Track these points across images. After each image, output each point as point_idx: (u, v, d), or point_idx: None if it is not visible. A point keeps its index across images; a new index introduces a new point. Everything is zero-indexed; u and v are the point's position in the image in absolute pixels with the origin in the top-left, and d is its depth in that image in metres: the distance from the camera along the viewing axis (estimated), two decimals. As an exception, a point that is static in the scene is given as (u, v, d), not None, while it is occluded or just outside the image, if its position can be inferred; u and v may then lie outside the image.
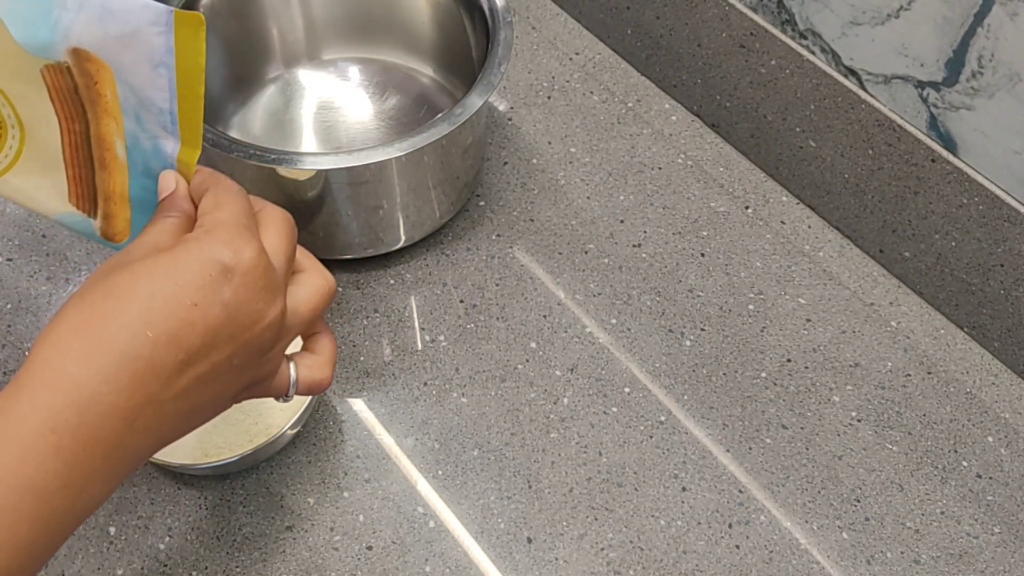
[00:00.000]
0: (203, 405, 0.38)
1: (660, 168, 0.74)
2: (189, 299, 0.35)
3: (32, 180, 0.42)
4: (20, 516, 0.32)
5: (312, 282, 0.42)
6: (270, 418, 0.56)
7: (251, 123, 0.73)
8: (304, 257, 0.44)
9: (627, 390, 0.62)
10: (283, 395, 0.43)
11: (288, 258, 0.41)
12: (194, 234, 0.38)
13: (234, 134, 0.68)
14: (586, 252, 0.69)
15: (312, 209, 0.62)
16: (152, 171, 0.42)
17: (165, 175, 0.41)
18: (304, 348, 0.45)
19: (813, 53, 0.65)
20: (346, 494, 0.57)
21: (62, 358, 0.34)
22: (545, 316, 0.65)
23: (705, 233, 0.70)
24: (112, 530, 0.56)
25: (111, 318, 0.34)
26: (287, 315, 0.40)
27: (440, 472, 0.58)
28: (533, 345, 0.64)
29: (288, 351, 0.43)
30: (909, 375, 0.64)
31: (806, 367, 0.64)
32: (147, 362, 0.34)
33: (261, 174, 0.60)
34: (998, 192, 0.59)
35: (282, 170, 0.58)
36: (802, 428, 0.61)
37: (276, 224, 0.41)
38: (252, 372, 0.39)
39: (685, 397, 0.62)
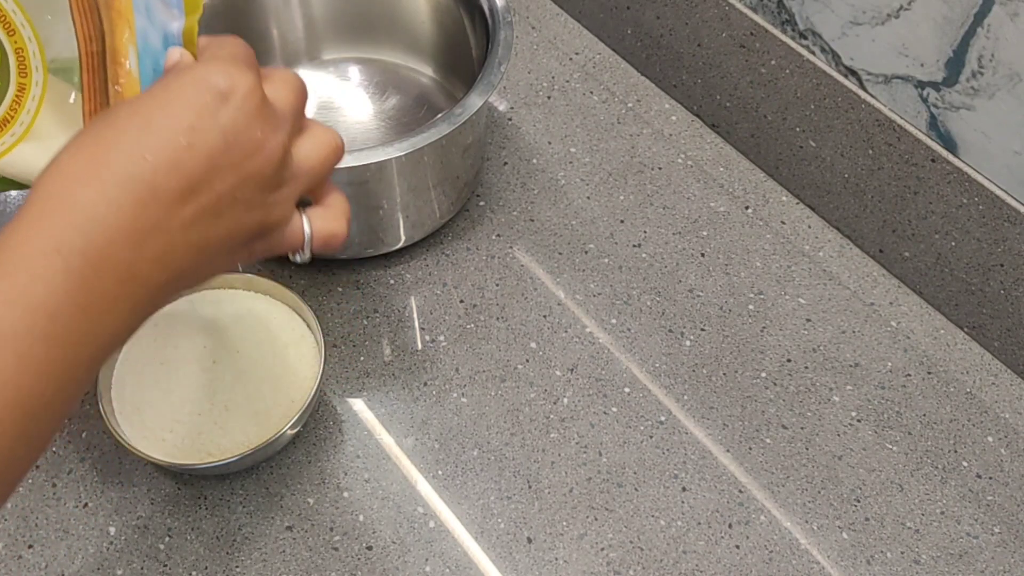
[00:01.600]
0: (214, 241, 0.37)
1: (660, 168, 0.74)
2: (185, 123, 0.35)
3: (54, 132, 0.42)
4: (34, 338, 0.32)
5: (319, 135, 0.41)
6: (270, 418, 0.56)
7: (251, 123, 0.73)
8: (312, 120, 0.42)
9: (627, 390, 0.62)
10: (299, 250, 0.42)
11: (292, 105, 0.39)
12: (190, 64, 0.38)
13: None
14: (586, 252, 0.69)
15: (312, 209, 0.62)
16: (161, 73, 0.42)
17: (171, 51, 0.40)
18: (315, 204, 0.44)
19: (813, 53, 0.65)
20: (346, 494, 0.57)
21: (63, 183, 0.34)
22: (545, 316, 0.65)
23: (705, 233, 0.70)
24: (112, 530, 0.56)
25: (111, 145, 0.35)
26: (293, 161, 0.39)
27: (440, 472, 0.58)
28: (533, 345, 0.64)
29: None
30: (909, 375, 0.64)
31: (806, 367, 0.64)
32: (148, 185, 0.34)
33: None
34: (998, 192, 0.59)
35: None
36: (802, 428, 0.61)
37: (281, 76, 0.40)
38: (260, 212, 0.38)
39: (685, 397, 0.62)
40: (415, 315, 0.65)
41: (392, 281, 0.67)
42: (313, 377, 0.57)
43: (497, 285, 0.67)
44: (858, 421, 0.61)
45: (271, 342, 0.59)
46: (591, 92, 0.78)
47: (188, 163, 0.35)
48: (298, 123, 0.40)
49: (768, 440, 0.60)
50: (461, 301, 0.66)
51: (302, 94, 0.41)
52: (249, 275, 0.61)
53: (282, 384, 0.57)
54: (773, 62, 0.68)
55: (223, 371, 0.57)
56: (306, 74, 0.76)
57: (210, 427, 0.55)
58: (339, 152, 0.42)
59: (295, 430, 0.56)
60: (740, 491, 0.58)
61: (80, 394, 0.36)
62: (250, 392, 0.56)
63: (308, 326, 0.60)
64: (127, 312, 0.35)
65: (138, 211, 0.34)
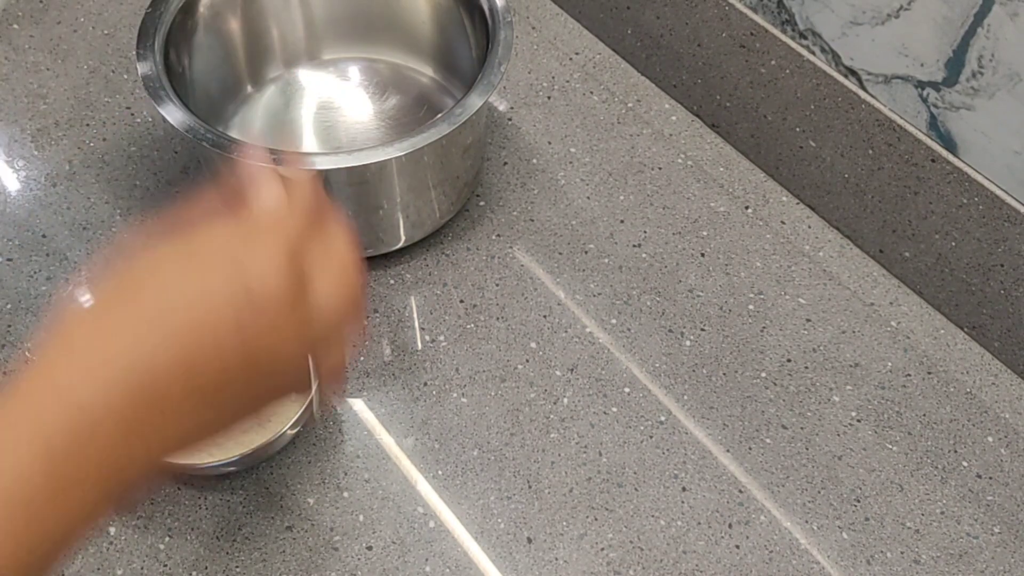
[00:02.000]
0: (209, 423, 0.35)
1: (660, 168, 0.74)
2: (206, 327, 0.32)
3: None
4: (8, 517, 0.31)
5: (340, 345, 0.38)
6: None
7: (251, 123, 0.73)
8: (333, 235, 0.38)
9: (627, 390, 0.62)
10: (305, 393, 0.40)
11: (334, 313, 0.36)
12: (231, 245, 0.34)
13: (234, 134, 0.68)
14: (586, 252, 0.69)
15: (312, 209, 0.62)
16: None
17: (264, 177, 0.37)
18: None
19: (813, 53, 0.65)
20: (346, 494, 0.57)
21: (63, 370, 0.32)
22: (545, 316, 0.65)
23: (705, 233, 0.70)
24: (112, 530, 0.56)
25: (118, 334, 0.32)
26: (311, 360, 0.37)
27: (440, 472, 0.58)
28: (533, 345, 0.64)
29: None
30: (909, 375, 0.64)
31: (806, 367, 0.64)
32: (149, 379, 0.32)
33: (261, 174, 0.60)
34: (998, 192, 0.59)
35: (282, 170, 0.58)
36: (802, 428, 0.61)
37: (336, 265, 0.37)
38: (263, 397, 0.37)
39: (685, 397, 0.62)
40: (415, 315, 0.65)
41: (392, 281, 0.67)
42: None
43: (497, 285, 0.67)
44: (858, 421, 0.61)
45: None
46: (591, 92, 0.78)
47: (199, 365, 0.32)
48: (335, 329, 0.37)
49: (768, 440, 0.60)
50: (461, 301, 0.66)
51: (355, 287, 0.37)
52: None
53: None
54: (773, 62, 0.68)
55: None
56: (306, 74, 0.76)
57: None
58: (355, 298, 0.39)
59: (295, 430, 0.56)
60: (740, 491, 0.58)
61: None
62: None
63: None
64: (104, 495, 0.33)
65: (134, 404, 0.32)
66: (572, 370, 0.63)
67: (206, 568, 0.54)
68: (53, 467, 0.31)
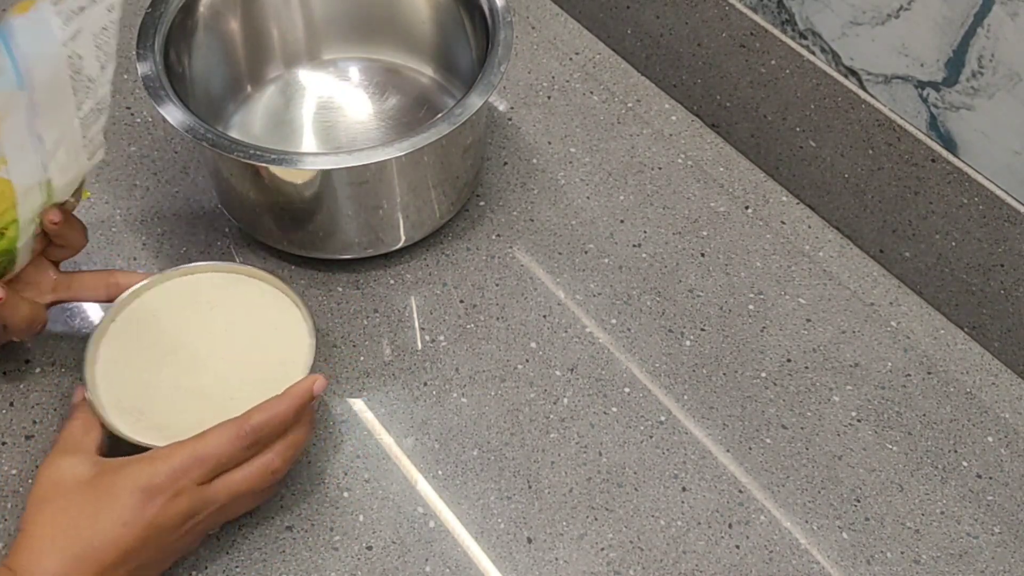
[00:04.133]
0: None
1: (660, 168, 0.74)
2: (121, 518, 0.48)
3: None
4: None
5: (251, 467, 0.52)
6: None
7: (251, 123, 0.73)
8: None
9: (627, 390, 0.62)
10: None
11: (232, 489, 0.51)
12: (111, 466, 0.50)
13: (234, 134, 0.68)
14: (586, 252, 0.69)
15: (312, 209, 0.62)
16: None
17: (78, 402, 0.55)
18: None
19: (813, 53, 0.65)
20: (346, 494, 0.57)
21: (30, 557, 0.47)
22: (545, 316, 0.65)
23: (705, 233, 0.70)
24: (112, 530, 0.56)
25: (67, 530, 0.48)
26: (216, 490, 0.51)
27: (440, 472, 0.58)
28: (533, 345, 0.64)
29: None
30: (909, 375, 0.64)
31: (806, 367, 0.64)
32: (95, 561, 0.47)
33: (261, 174, 0.60)
34: (998, 192, 0.59)
35: (282, 170, 0.58)
36: (802, 428, 0.61)
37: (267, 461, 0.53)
38: (189, 543, 0.52)
39: (685, 397, 0.62)
40: (415, 315, 0.65)
41: (392, 281, 0.67)
42: (305, 363, 0.56)
43: (497, 285, 0.67)
44: (858, 421, 0.61)
45: (264, 327, 0.58)
46: (591, 92, 0.78)
47: (124, 541, 0.47)
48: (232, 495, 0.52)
49: (768, 440, 0.60)
50: (461, 301, 0.66)
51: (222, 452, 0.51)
52: (232, 263, 0.61)
53: (280, 366, 0.56)
54: (773, 62, 0.68)
55: (224, 357, 0.57)
56: (306, 74, 0.76)
57: (207, 420, 0.54)
58: (263, 485, 0.53)
59: None
60: (740, 491, 0.58)
61: None
62: (253, 377, 0.56)
63: (295, 304, 0.59)
64: None
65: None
66: (572, 370, 0.63)
67: (206, 568, 0.54)
68: None
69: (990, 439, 0.61)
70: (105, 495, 0.48)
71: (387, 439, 0.60)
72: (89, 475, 0.49)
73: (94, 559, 0.47)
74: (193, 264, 0.60)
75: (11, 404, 0.60)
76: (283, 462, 0.52)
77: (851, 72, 0.64)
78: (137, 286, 0.58)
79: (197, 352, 0.57)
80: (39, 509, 0.49)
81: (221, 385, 0.56)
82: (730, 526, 0.57)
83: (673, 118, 0.77)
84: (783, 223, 0.71)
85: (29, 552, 0.47)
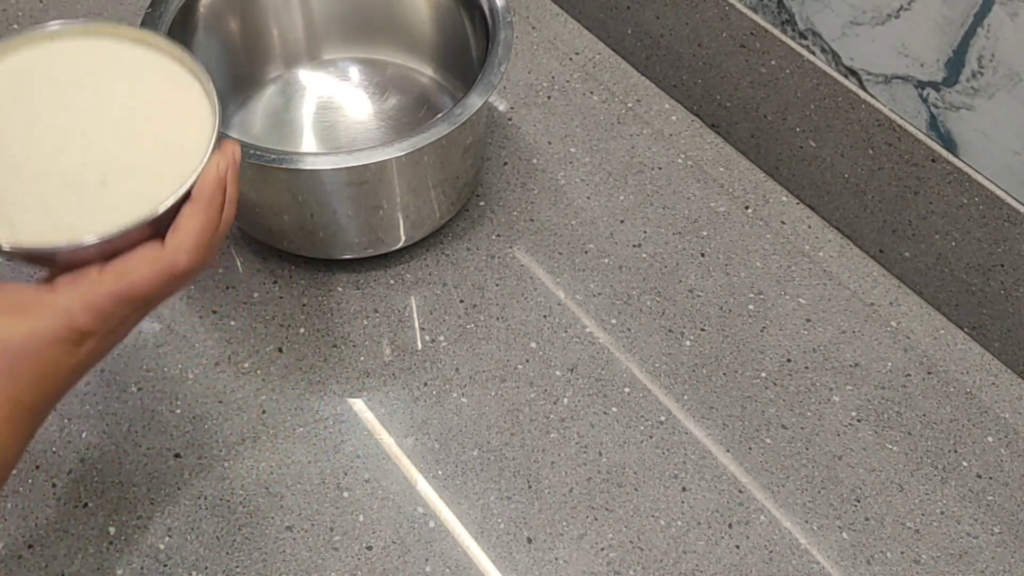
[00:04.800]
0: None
1: (660, 168, 0.74)
2: (48, 369, 0.41)
3: None
4: None
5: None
6: (160, 189, 0.43)
7: (251, 123, 0.73)
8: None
9: (627, 390, 0.62)
10: None
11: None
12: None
13: (234, 134, 0.68)
14: (586, 252, 0.69)
15: (312, 209, 0.62)
16: None
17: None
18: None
19: (813, 53, 0.65)
20: (346, 494, 0.57)
21: None
22: (545, 316, 0.65)
23: (705, 233, 0.70)
24: (112, 530, 0.56)
25: None
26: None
27: (440, 472, 0.58)
28: (533, 345, 0.64)
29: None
30: (909, 375, 0.64)
31: (806, 367, 0.64)
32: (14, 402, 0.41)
33: (261, 174, 0.60)
34: (998, 192, 0.59)
35: (282, 170, 0.58)
36: (802, 428, 0.61)
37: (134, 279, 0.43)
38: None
39: (685, 397, 0.62)
40: (415, 315, 0.65)
41: (392, 281, 0.67)
42: (207, 140, 0.45)
43: (497, 285, 0.67)
44: (858, 421, 0.61)
45: (153, 97, 0.47)
46: (591, 92, 0.78)
47: (42, 393, 0.42)
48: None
49: (768, 440, 0.60)
50: (461, 301, 0.66)
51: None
52: (116, 23, 0.48)
53: (171, 149, 0.45)
54: (773, 62, 0.68)
55: (95, 136, 0.45)
56: (306, 74, 0.76)
57: (83, 206, 0.43)
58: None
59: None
60: (740, 491, 0.58)
61: None
62: (132, 161, 0.44)
63: (195, 77, 0.47)
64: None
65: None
66: (572, 370, 0.63)
67: (206, 568, 0.54)
68: None
69: (990, 439, 0.61)
70: (19, 353, 0.41)
71: (387, 439, 0.60)
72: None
73: (19, 416, 0.41)
74: (61, 23, 0.47)
75: None
76: (195, 263, 0.43)
77: (851, 72, 0.64)
78: None
79: (62, 129, 0.45)
80: None
81: (91, 170, 0.44)
82: (730, 526, 0.57)
83: (673, 118, 0.77)
84: (783, 223, 0.71)
85: None
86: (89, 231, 0.41)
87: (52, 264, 0.44)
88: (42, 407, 0.42)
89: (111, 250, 0.42)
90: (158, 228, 0.43)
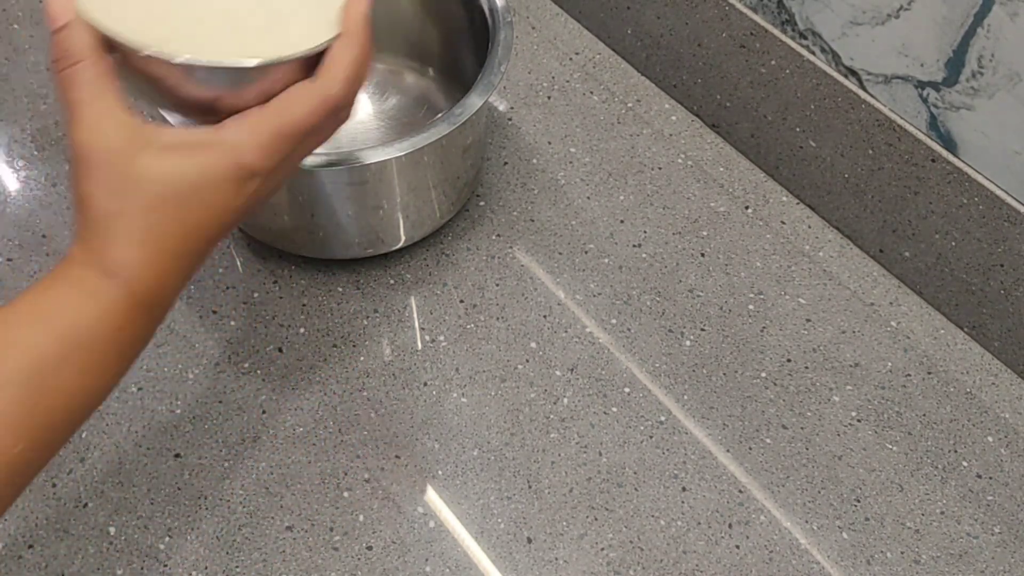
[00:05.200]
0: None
1: (660, 168, 0.74)
2: (207, 219, 0.42)
3: None
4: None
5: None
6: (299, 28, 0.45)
7: (251, 123, 0.73)
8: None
9: (627, 390, 0.62)
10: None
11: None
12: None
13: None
14: (586, 252, 0.69)
15: (312, 209, 0.62)
16: None
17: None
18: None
19: (813, 53, 0.65)
20: (346, 494, 0.57)
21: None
22: (545, 316, 0.65)
23: (705, 233, 0.70)
24: (112, 530, 0.56)
25: (163, 220, 0.41)
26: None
27: (440, 472, 0.58)
28: (533, 345, 0.64)
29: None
30: (909, 375, 0.64)
31: (806, 367, 0.64)
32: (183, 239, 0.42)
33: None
34: (998, 192, 0.59)
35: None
36: (802, 428, 0.61)
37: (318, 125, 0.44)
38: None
39: (685, 397, 0.62)
40: (415, 315, 0.65)
41: (392, 281, 0.67)
42: None
43: (497, 285, 0.67)
44: (858, 421, 0.61)
45: None
46: (591, 92, 0.78)
47: (210, 233, 0.42)
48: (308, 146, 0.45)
49: (768, 440, 0.60)
50: (461, 301, 0.66)
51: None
52: None
53: None
54: (773, 62, 0.68)
55: None
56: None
57: (244, 46, 0.44)
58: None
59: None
60: (740, 491, 0.58)
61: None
62: (284, 7, 0.46)
63: None
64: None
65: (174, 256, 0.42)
66: (572, 370, 0.63)
67: (206, 568, 0.54)
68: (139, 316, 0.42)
69: (990, 439, 0.61)
70: (189, 190, 0.41)
71: (387, 439, 0.60)
72: (155, 158, 0.40)
73: (185, 254, 0.41)
74: None
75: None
76: (349, 94, 0.44)
77: (851, 72, 0.64)
78: None
79: None
80: (90, 182, 0.41)
81: (249, 14, 0.45)
82: (730, 526, 0.57)
83: (673, 118, 0.77)
84: (783, 223, 0.71)
85: (102, 239, 0.41)
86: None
87: (216, 102, 0.44)
88: (205, 250, 0.43)
89: (270, 90, 0.43)
90: (310, 68, 0.44)
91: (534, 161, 0.74)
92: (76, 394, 0.39)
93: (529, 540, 0.56)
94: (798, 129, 0.69)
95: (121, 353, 0.41)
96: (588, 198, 0.71)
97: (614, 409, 0.61)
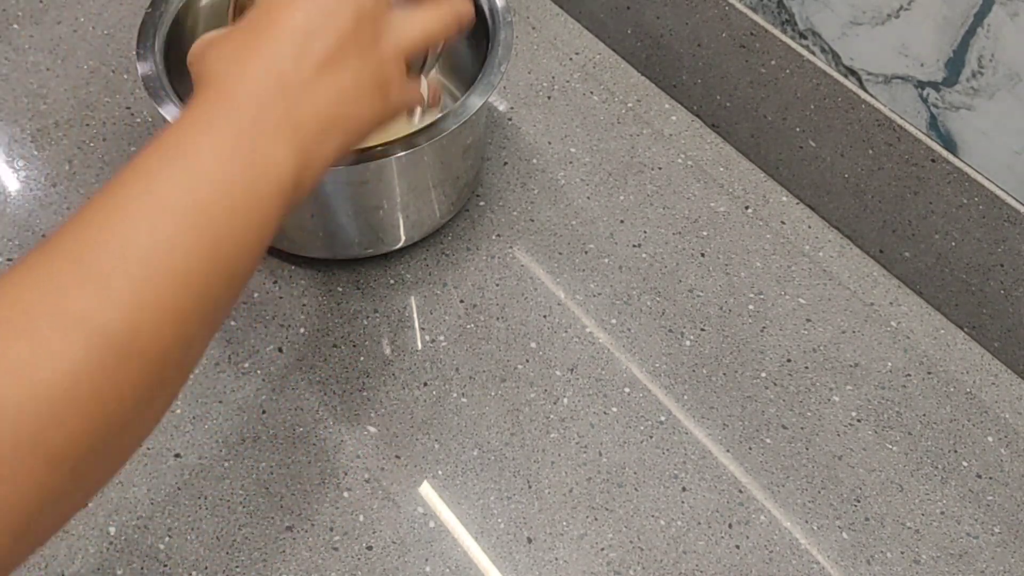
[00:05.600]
0: (346, 86, 0.42)
1: (660, 168, 0.74)
2: (305, 26, 0.41)
3: None
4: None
5: (426, 14, 0.46)
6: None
7: (251, 123, 0.72)
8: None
9: (627, 390, 0.62)
10: (417, 105, 0.50)
11: None
12: None
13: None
14: (586, 252, 0.69)
15: (312, 209, 0.62)
16: None
17: None
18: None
19: (813, 53, 0.65)
20: (346, 494, 0.57)
21: (226, 70, 0.40)
22: (545, 316, 0.65)
23: (705, 233, 0.70)
24: (112, 530, 0.56)
25: (256, 40, 0.41)
26: (393, 28, 0.45)
27: (440, 472, 0.58)
28: (533, 345, 0.64)
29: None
30: (909, 375, 0.64)
31: (806, 367, 0.64)
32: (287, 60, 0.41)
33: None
34: (998, 192, 0.59)
35: None
36: (802, 428, 0.61)
37: None
38: (373, 62, 0.44)
39: (685, 397, 0.62)
40: (415, 315, 0.65)
41: (392, 281, 0.67)
42: None
43: (497, 285, 0.67)
44: (858, 421, 0.61)
45: None
46: (591, 92, 0.78)
47: (319, 38, 0.41)
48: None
49: (768, 440, 0.60)
50: (461, 301, 0.66)
51: None
52: None
53: None
54: (773, 62, 0.68)
55: None
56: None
57: None
58: (449, 28, 0.47)
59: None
60: (740, 491, 0.58)
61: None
62: None
63: None
64: (292, 159, 0.40)
65: (281, 77, 0.40)
66: (572, 370, 0.63)
67: (206, 568, 0.54)
68: (240, 132, 0.39)
69: (990, 439, 0.61)
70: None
71: (387, 439, 0.60)
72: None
73: (278, 53, 0.41)
74: None
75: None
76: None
77: (851, 72, 0.64)
78: None
79: None
80: (204, 52, 0.42)
81: None
82: (730, 526, 0.57)
83: (673, 118, 0.77)
84: (783, 223, 0.71)
85: (218, 64, 0.41)
86: None
87: None
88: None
89: None
90: None
91: (534, 161, 0.74)
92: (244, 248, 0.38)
93: (529, 540, 0.56)
94: (798, 129, 0.69)
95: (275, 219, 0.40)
96: (588, 198, 0.71)
97: (614, 409, 0.61)
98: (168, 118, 0.58)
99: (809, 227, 0.71)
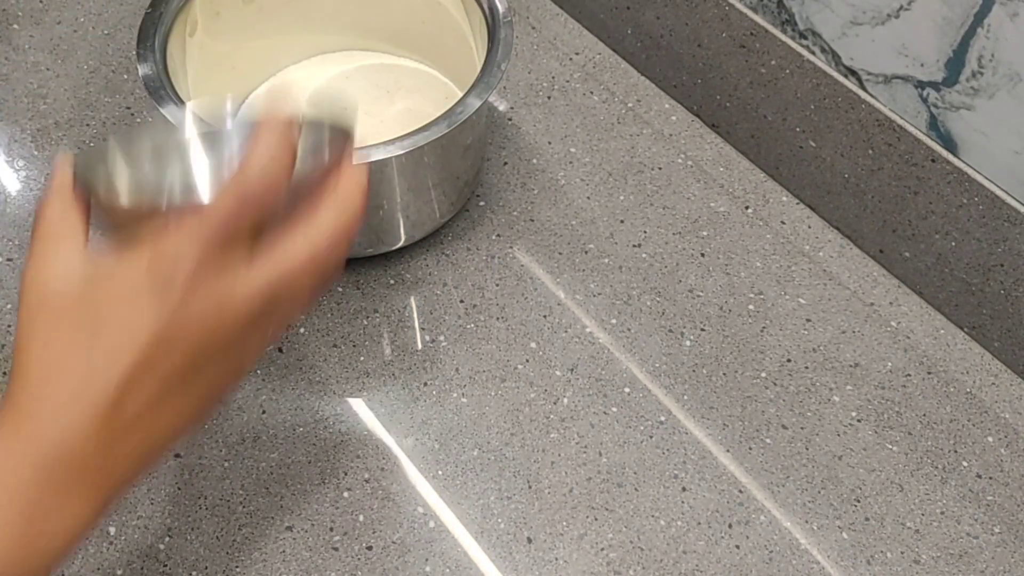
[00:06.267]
0: (175, 429, 0.37)
1: (660, 168, 0.74)
2: (128, 329, 0.35)
3: None
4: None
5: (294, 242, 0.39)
6: None
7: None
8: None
9: (627, 390, 0.62)
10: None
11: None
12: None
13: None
14: (586, 252, 0.69)
15: (312, 209, 0.62)
16: None
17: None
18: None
19: (813, 53, 0.65)
20: (346, 494, 0.57)
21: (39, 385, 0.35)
22: (545, 316, 0.65)
23: (705, 233, 0.70)
24: (112, 530, 0.56)
25: (75, 353, 0.35)
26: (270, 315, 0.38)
27: (440, 472, 0.58)
28: (533, 345, 0.64)
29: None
30: (909, 375, 0.64)
31: (806, 367, 0.64)
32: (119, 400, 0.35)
33: (261, 174, 0.60)
34: (998, 192, 0.59)
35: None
36: (802, 428, 0.61)
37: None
38: (234, 364, 0.38)
39: (685, 397, 0.62)
40: (415, 315, 0.65)
41: (392, 281, 0.67)
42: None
43: (497, 285, 0.67)
44: (858, 421, 0.61)
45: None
46: (591, 92, 0.78)
47: (136, 348, 0.35)
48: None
49: (768, 440, 0.60)
50: (461, 301, 0.66)
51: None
52: None
53: None
54: (773, 62, 0.68)
55: None
56: (306, 73, 0.76)
57: None
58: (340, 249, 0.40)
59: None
60: (740, 491, 0.58)
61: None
62: None
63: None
64: (90, 509, 0.37)
65: (108, 420, 0.35)
66: (572, 370, 0.63)
67: (206, 568, 0.54)
68: (47, 478, 0.35)
69: (990, 439, 0.61)
70: (106, 298, 0.35)
71: (387, 439, 0.60)
72: (78, 275, 0.36)
73: (101, 383, 0.34)
74: None
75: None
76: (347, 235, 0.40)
77: (851, 72, 0.64)
78: None
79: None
80: (30, 324, 0.36)
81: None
82: (730, 526, 0.57)
83: (673, 118, 0.77)
84: (783, 223, 0.71)
85: (25, 382, 0.35)
86: None
87: None
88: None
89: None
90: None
91: (534, 161, 0.74)
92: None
93: (529, 540, 0.56)
94: (798, 129, 0.69)
95: None
96: (588, 198, 0.71)
97: (614, 409, 0.61)
98: (169, 118, 0.58)
99: (809, 227, 0.71)
